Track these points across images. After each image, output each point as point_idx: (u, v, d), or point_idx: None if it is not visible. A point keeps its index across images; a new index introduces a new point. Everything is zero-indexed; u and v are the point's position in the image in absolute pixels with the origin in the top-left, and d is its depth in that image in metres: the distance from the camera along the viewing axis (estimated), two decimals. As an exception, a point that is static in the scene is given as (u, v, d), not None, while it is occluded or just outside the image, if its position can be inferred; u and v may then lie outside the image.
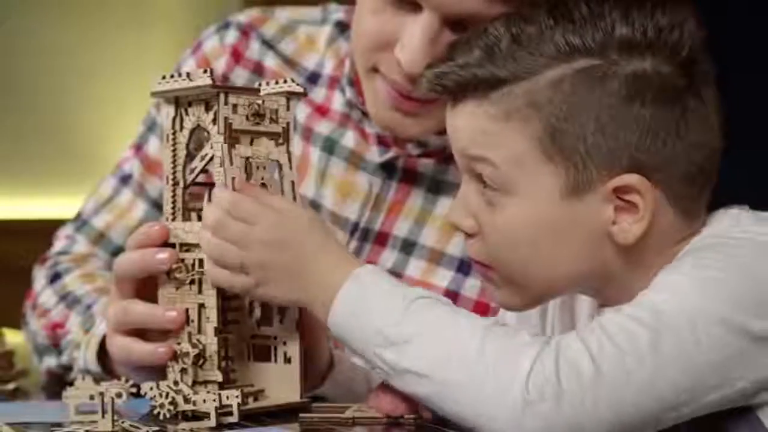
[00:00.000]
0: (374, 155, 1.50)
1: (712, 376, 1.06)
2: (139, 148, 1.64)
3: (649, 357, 1.05)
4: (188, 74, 1.19)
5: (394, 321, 1.11)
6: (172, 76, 1.20)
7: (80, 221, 1.66)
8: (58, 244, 1.66)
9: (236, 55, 1.59)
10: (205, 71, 1.18)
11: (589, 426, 1.05)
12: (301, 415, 1.18)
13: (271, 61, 1.59)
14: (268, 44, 1.60)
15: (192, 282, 1.20)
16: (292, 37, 1.60)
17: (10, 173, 3.20)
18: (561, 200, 1.13)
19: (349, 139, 1.52)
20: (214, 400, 1.15)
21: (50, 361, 1.54)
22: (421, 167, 1.50)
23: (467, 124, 1.16)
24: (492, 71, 1.14)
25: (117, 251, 1.61)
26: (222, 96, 1.18)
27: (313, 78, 1.56)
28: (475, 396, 1.07)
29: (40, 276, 1.63)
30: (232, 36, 1.60)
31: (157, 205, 1.61)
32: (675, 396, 1.06)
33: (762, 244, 1.11)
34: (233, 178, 1.18)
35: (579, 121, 1.12)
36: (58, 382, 1.52)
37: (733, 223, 1.16)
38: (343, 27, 1.59)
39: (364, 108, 1.48)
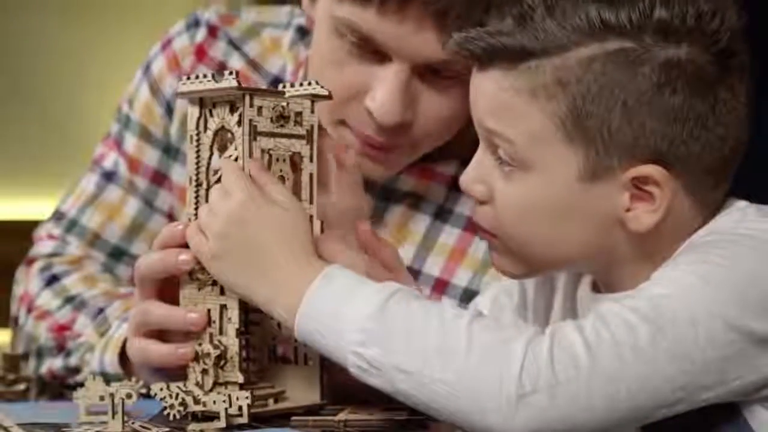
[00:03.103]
0: None
1: (709, 375, 1.06)
2: (118, 145, 1.63)
3: (647, 351, 1.04)
4: (213, 75, 1.19)
5: (374, 317, 1.08)
6: (197, 77, 1.20)
7: (67, 221, 1.64)
8: (46, 244, 1.65)
9: (200, 54, 1.59)
10: (231, 73, 1.18)
11: (582, 417, 1.04)
12: (293, 418, 1.19)
13: (236, 62, 1.58)
14: (234, 45, 1.60)
15: (214, 283, 1.19)
16: (257, 40, 1.60)
17: (15, 175, 3.20)
18: (577, 183, 1.13)
19: None
20: (224, 401, 1.15)
21: (55, 363, 1.53)
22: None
23: (489, 94, 1.15)
24: (521, 42, 1.12)
25: (114, 252, 1.62)
26: (247, 98, 1.19)
27: (276, 83, 1.52)
28: (466, 392, 1.05)
29: (32, 278, 1.62)
30: (200, 35, 1.60)
31: (147, 202, 1.61)
32: (671, 392, 1.05)
33: (766, 243, 1.10)
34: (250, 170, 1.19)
35: (606, 104, 1.10)
36: (58, 385, 1.52)
37: (739, 218, 1.15)
38: (303, 32, 1.58)
39: None
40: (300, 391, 1.23)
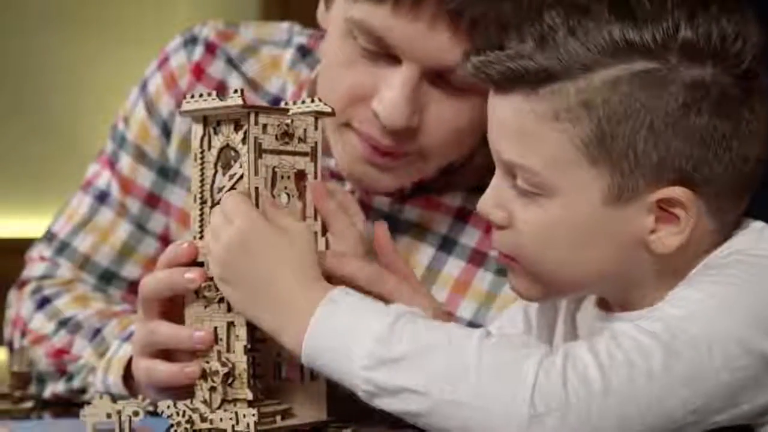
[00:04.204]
0: None
1: (722, 398, 1.06)
2: (112, 164, 1.63)
3: (661, 374, 1.04)
4: (218, 93, 1.19)
5: (382, 340, 1.08)
6: (201, 95, 1.20)
7: (59, 243, 1.64)
8: (38, 267, 1.65)
9: (197, 72, 1.58)
10: (236, 91, 1.18)
11: None
12: None
13: (234, 82, 1.58)
14: (233, 64, 1.59)
15: (221, 300, 1.20)
16: (256, 58, 1.59)
17: (13, 192, 3.20)
18: (602, 206, 1.11)
19: None
20: (231, 419, 1.16)
21: (57, 387, 1.54)
22: (375, 203, 1.49)
23: (509, 119, 1.13)
24: (543, 64, 1.10)
25: (105, 275, 1.62)
26: (252, 116, 1.19)
27: (275, 103, 1.52)
28: (477, 413, 1.05)
29: (24, 301, 1.62)
30: (198, 53, 1.59)
31: (138, 225, 1.61)
32: (683, 415, 1.05)
33: None
34: (256, 188, 1.19)
35: (632, 125, 1.09)
36: (64, 405, 1.52)
37: (756, 239, 1.15)
38: (304, 51, 1.58)
39: None
40: (306, 408, 1.23)
